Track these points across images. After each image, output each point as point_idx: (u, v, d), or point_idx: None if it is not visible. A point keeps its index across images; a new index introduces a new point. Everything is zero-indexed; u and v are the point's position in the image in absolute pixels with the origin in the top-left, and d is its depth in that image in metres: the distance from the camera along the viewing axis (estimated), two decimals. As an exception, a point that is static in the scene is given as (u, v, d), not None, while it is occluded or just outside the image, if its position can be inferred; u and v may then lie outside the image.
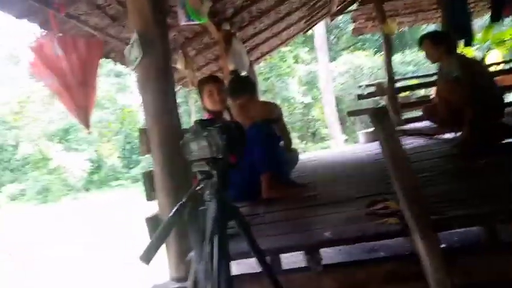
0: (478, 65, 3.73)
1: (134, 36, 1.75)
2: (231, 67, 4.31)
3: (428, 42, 3.49)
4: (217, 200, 1.28)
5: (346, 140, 13.35)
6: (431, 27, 12.51)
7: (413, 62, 14.35)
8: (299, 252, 1.72)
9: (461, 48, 4.80)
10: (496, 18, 5.47)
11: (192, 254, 1.73)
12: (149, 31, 1.78)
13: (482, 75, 3.40)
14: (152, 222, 1.83)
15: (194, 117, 8.77)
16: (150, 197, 1.89)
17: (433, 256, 1.41)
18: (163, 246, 1.87)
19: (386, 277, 1.60)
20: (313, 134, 15.32)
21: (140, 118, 17.16)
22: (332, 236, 1.65)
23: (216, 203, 1.28)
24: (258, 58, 6.91)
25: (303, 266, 1.68)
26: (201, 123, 1.33)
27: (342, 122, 14.35)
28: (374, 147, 4.98)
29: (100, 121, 16.56)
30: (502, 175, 2.11)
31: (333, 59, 15.35)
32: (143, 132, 1.87)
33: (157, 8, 1.79)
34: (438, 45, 3.43)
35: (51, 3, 2.31)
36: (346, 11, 6.73)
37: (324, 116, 14.48)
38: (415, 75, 11.90)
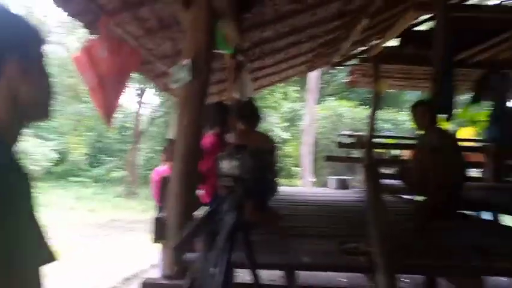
0: (455, 140, 4.15)
1: (188, 61, 2.07)
2: (236, 94, 4.66)
3: (423, 109, 3.66)
4: (236, 212, 1.58)
5: (313, 183, 13.80)
6: (417, 94, 13.40)
7: (391, 121, 15.14)
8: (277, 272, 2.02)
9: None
10: (476, 100, 6.13)
11: (190, 255, 1.99)
12: (201, 60, 2.12)
13: (457, 150, 3.78)
14: (159, 222, 2.08)
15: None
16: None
17: (391, 292, 1.74)
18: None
19: (349, 304, 1.92)
20: (281, 169, 15.72)
21: (118, 120, 17.15)
22: (310, 261, 1.96)
23: (236, 215, 1.58)
24: (255, 89, 7.30)
25: (280, 284, 1.98)
26: (237, 147, 1.66)
27: (314, 163, 14.83)
28: (344, 194, 5.39)
29: (76, 113, 16.39)
30: (451, 238, 2.51)
31: (318, 101, 16.01)
32: (171, 142, 2.17)
33: (210, 40, 2.14)
34: (432, 114, 3.67)
35: (105, 9, 2.60)
36: (346, 63, 7.22)
37: (297, 154, 14.96)
38: (391, 134, 12.61)
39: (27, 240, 0.66)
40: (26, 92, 0.74)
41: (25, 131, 0.76)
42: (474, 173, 6.44)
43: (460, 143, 3.86)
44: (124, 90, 2.66)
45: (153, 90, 14.16)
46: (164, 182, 2.14)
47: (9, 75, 0.72)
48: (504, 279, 3.50)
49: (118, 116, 17.28)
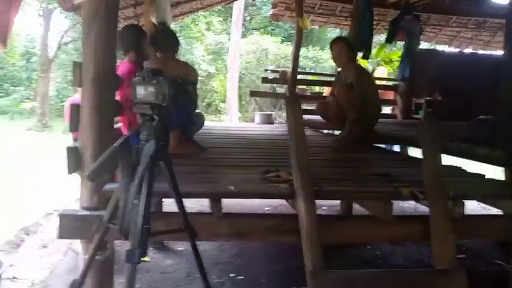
0: (370, 77, 4.37)
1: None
2: (153, 19, 4.32)
3: (344, 46, 3.78)
4: (155, 141, 1.50)
5: (239, 118, 13.91)
6: (337, 32, 13.66)
7: (313, 59, 15.42)
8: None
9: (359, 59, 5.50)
10: (390, 39, 6.40)
11: (110, 185, 1.90)
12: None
13: (371, 86, 4.00)
14: (73, 152, 1.93)
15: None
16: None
17: (309, 216, 1.84)
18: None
19: (269, 229, 2.00)
20: (209, 105, 15.55)
21: (20, 43, 15.36)
22: (235, 189, 1.98)
23: (154, 144, 1.50)
24: (175, 16, 6.87)
25: (207, 211, 2.00)
26: (152, 71, 1.53)
27: (239, 99, 14.84)
28: (268, 128, 5.50)
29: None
30: (364, 167, 2.70)
31: (243, 35, 15.68)
32: (78, 66, 1.94)
33: None
34: (349, 51, 3.79)
35: None
36: (270, -6, 7.04)
37: (223, 89, 14.79)
38: (313, 71, 12.92)
39: None
40: None
41: None
42: (386, 110, 6.93)
43: (375, 81, 4.05)
44: (18, 5, 2.30)
45: (59, 11, 12.68)
46: (74, 109, 1.96)
47: None
48: (409, 203, 3.92)
49: (20, 40, 15.47)
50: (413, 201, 2.15)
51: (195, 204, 3.76)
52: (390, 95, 6.67)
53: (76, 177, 2.05)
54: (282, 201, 2.54)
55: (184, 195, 1.79)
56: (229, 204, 2.24)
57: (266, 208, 4.65)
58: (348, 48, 3.81)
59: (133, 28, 3.20)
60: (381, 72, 8.18)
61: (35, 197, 5.12)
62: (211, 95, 15.46)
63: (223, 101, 14.67)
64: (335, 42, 3.89)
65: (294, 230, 1.92)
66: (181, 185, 1.68)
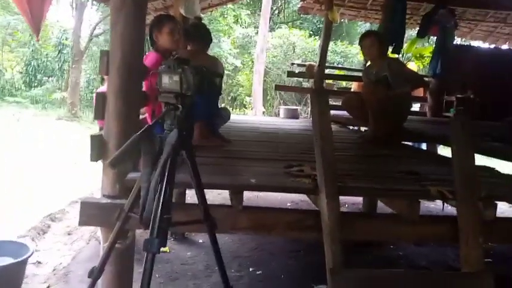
0: (404, 66, 4.20)
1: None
2: (182, 11, 4.34)
3: (375, 40, 3.67)
4: (178, 130, 1.49)
5: (263, 113, 13.87)
6: (367, 26, 13.39)
7: (342, 53, 15.17)
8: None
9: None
10: (422, 34, 6.20)
11: (133, 174, 1.91)
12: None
13: (407, 75, 3.83)
14: (97, 140, 1.95)
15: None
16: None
17: (332, 213, 1.79)
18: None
19: (290, 224, 1.96)
20: (234, 99, 15.55)
21: (54, 35, 15.73)
22: (256, 182, 1.96)
23: (177, 133, 1.48)
24: (204, 9, 6.88)
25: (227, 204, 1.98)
26: (178, 59, 1.51)
27: (264, 94, 14.78)
28: (293, 122, 5.45)
29: (6, 26, 14.78)
30: (391, 165, 2.62)
31: (270, 29, 15.56)
32: (105, 53, 1.95)
33: None
34: (380, 45, 3.68)
35: None
36: (299, -13, 6.95)
37: (249, 83, 14.75)
38: (341, 66, 12.71)
39: None
40: None
41: None
42: (415, 107, 6.74)
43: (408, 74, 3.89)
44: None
45: (91, 3, 12.90)
46: (99, 97, 1.97)
47: None
48: (435, 204, 3.80)
49: (53, 31, 15.87)
50: (440, 201, 2.06)
51: (217, 197, 3.77)
52: (419, 92, 6.48)
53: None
54: (304, 197, 2.50)
55: (206, 186, 1.77)
56: (252, 198, 2.22)
57: (288, 204, 4.62)
58: (380, 42, 3.70)
59: (165, 18, 3.18)
60: (412, 67, 7.96)
61: (62, 184, 5.25)
62: (237, 89, 15.47)
63: (249, 95, 14.64)
64: (366, 36, 3.80)
65: (315, 226, 1.88)
66: (202, 176, 1.67)
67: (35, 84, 15.30)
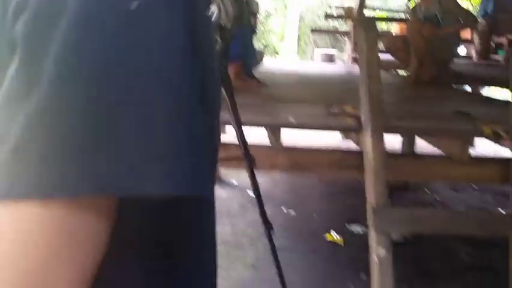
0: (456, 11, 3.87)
1: None
2: None
3: None
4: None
5: (299, 58, 13.49)
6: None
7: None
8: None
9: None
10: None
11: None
12: None
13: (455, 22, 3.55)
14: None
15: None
16: None
17: (377, 151, 1.72)
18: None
19: (329, 162, 1.91)
20: (266, 46, 15.14)
21: None
22: (295, 121, 1.89)
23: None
24: None
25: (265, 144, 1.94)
26: (216, -12, 1.41)
27: (298, 40, 14.31)
28: (330, 66, 5.25)
29: None
30: (440, 106, 2.48)
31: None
32: None
33: None
34: None
35: None
36: None
37: (282, 30, 14.28)
38: (381, 7, 11.99)
39: None
40: None
41: None
42: (460, 51, 6.32)
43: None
44: None
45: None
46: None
47: None
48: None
49: None
50: (493, 141, 1.94)
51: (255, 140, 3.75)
52: (466, 34, 6.03)
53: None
54: (344, 143, 2.42)
55: (244, 123, 1.73)
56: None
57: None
58: None
59: None
60: (464, 6, 7.38)
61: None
62: (269, 35, 15.03)
63: (282, 41, 14.24)
64: None
65: (355, 166, 1.82)
66: (241, 115, 1.62)
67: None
